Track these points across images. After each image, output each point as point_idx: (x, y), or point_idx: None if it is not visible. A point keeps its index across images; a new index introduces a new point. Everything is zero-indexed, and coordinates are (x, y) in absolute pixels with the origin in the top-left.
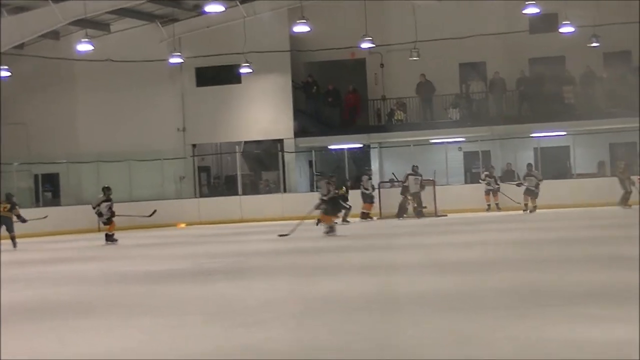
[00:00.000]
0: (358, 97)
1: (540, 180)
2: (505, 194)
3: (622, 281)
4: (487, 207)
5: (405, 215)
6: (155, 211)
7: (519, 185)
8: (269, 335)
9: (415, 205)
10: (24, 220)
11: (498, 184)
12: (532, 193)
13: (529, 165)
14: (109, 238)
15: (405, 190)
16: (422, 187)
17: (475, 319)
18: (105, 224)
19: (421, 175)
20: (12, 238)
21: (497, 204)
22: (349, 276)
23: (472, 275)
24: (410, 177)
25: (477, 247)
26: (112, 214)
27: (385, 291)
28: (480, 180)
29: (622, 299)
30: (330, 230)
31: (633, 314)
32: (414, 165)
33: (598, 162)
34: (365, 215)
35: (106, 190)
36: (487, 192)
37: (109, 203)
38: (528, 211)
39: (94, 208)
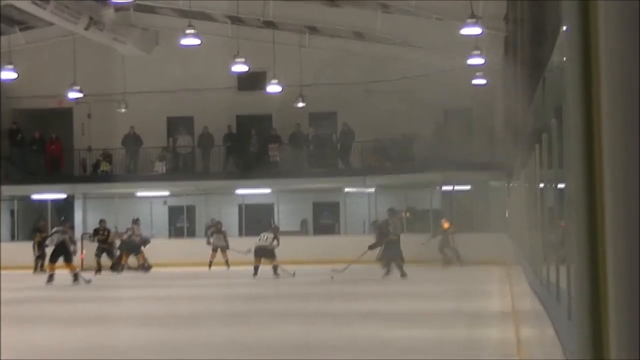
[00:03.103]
0: (60, 145)
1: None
2: (237, 250)
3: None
4: (210, 263)
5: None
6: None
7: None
8: None
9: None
10: None
11: (227, 241)
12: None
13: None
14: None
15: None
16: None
17: None
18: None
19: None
20: None
21: (226, 261)
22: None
23: (176, 328)
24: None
25: (184, 301)
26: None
27: (93, 344)
28: (207, 239)
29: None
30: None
31: None
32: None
33: (301, 220)
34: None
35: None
36: (215, 249)
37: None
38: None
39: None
